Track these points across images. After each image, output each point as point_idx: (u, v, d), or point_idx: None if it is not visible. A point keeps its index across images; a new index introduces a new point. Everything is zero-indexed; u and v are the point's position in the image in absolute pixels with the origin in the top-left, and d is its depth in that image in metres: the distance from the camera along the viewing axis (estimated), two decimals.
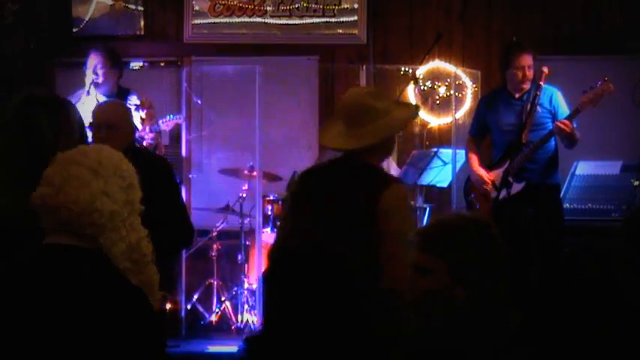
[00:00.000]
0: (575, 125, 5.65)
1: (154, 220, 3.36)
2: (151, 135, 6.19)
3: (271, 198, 6.50)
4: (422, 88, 7.06)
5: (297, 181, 3.90)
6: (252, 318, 6.42)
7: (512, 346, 2.32)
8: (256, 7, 7.64)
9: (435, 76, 7.22)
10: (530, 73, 5.84)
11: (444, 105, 7.20)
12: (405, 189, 3.60)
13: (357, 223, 3.38)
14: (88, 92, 6.08)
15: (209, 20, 7.67)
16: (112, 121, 4.11)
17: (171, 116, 6.41)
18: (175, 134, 7.34)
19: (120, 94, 6.04)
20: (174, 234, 4.04)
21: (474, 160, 6.05)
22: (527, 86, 5.87)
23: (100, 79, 6.04)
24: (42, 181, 2.33)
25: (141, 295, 2.29)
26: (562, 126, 5.61)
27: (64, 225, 2.30)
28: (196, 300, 6.79)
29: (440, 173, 6.64)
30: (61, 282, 2.23)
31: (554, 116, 5.82)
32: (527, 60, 5.84)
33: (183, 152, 7.48)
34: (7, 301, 2.24)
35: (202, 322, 6.77)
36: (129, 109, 4.53)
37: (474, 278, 2.32)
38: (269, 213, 6.50)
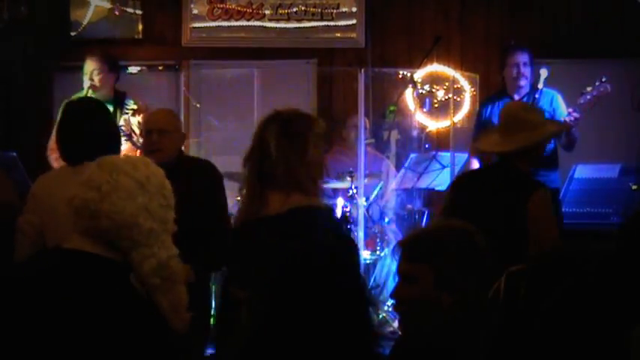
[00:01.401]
0: (571, 118, 5.62)
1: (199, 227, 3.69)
2: None
3: None
4: (420, 91, 7.05)
5: (454, 184, 4.35)
6: None
7: (498, 342, 2.35)
8: (254, 11, 7.64)
9: (434, 80, 7.21)
10: (525, 71, 5.85)
11: (442, 109, 7.18)
12: (549, 193, 4.02)
13: (505, 219, 3.82)
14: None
15: (207, 24, 7.67)
16: (164, 127, 4.25)
17: None
18: None
19: (116, 98, 6.01)
20: (213, 245, 4.05)
21: (475, 164, 6.05)
22: (523, 84, 5.88)
23: (97, 84, 6.03)
24: (85, 184, 2.29)
25: (153, 313, 2.27)
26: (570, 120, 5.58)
27: (99, 232, 2.26)
28: None
29: (438, 177, 6.62)
30: (77, 291, 2.21)
31: (553, 119, 5.81)
32: (521, 57, 5.87)
33: None
34: (16, 304, 2.23)
35: None
36: (179, 118, 4.72)
37: (460, 283, 2.37)
38: None
